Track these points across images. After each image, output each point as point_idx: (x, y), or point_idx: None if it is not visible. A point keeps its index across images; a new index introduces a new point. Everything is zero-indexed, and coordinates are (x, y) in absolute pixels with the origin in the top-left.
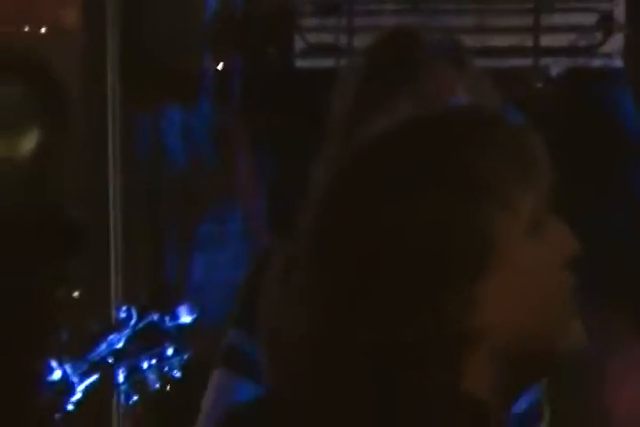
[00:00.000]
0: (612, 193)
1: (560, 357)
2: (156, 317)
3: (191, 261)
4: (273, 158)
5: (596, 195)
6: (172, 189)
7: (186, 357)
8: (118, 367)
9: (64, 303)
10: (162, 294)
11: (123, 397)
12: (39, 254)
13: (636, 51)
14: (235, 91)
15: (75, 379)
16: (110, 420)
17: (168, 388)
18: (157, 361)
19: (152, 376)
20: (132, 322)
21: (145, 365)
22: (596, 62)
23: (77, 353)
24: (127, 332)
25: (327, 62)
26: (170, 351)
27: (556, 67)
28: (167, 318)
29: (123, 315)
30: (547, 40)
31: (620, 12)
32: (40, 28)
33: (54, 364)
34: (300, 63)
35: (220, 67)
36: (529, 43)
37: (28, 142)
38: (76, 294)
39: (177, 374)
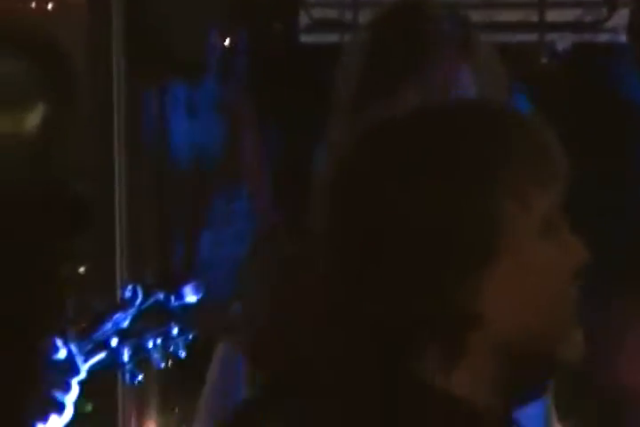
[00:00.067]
0: (618, 168)
1: (558, 362)
2: (161, 296)
3: (197, 239)
4: (278, 134)
5: (601, 170)
6: (177, 166)
7: (191, 336)
8: (123, 347)
9: (69, 280)
10: (167, 273)
11: (127, 376)
12: (44, 230)
13: None
14: (240, 66)
15: (79, 358)
16: (115, 399)
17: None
18: (162, 340)
19: (157, 356)
20: (138, 301)
21: (150, 344)
22: (602, 38)
23: (82, 332)
24: (132, 311)
25: (332, 38)
26: (175, 331)
27: (561, 42)
28: (173, 298)
29: (128, 294)
30: (552, 15)
31: None
32: (46, 4)
33: (59, 343)
34: (305, 38)
35: (225, 42)
36: (534, 18)
37: (34, 118)
38: (81, 269)
39: (182, 353)
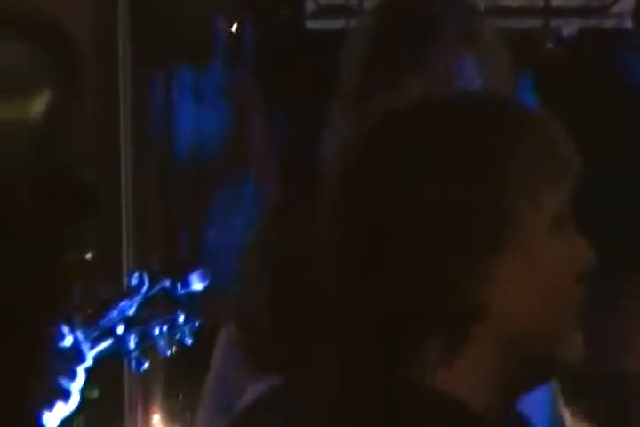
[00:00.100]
0: (624, 153)
1: (558, 363)
2: (167, 283)
3: (204, 226)
4: (285, 120)
5: (607, 156)
6: (183, 152)
7: (197, 324)
8: (129, 334)
9: (76, 266)
10: (174, 260)
11: (133, 363)
12: (50, 215)
13: None
14: (246, 52)
15: (85, 345)
16: (122, 385)
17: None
18: (169, 328)
19: (163, 343)
20: (144, 289)
21: (156, 332)
22: (608, 23)
23: (88, 319)
24: (138, 298)
25: (338, 24)
26: (181, 318)
27: (567, 27)
28: (179, 285)
29: (134, 281)
30: (558, 0)
31: None
32: None
33: (65, 330)
34: (312, 24)
35: (232, 28)
36: (540, 3)
37: (39, 102)
38: (88, 255)
39: (188, 341)
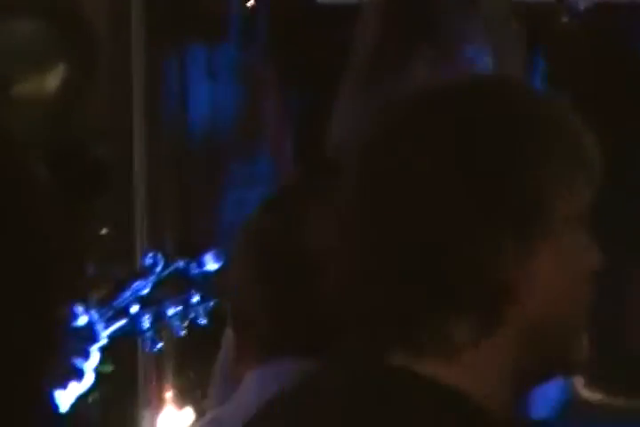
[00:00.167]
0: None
1: (571, 360)
2: (182, 264)
3: (219, 204)
4: (299, 95)
5: (622, 132)
6: (197, 131)
7: (212, 304)
8: (143, 314)
9: (90, 243)
10: (188, 240)
11: (147, 343)
12: (65, 191)
13: None
14: (260, 28)
15: (100, 325)
16: (136, 366)
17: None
18: (183, 308)
19: (177, 323)
20: (158, 269)
21: (170, 312)
22: None
23: (103, 299)
24: (153, 278)
25: None
26: (195, 299)
27: (583, 1)
28: (193, 266)
29: (148, 261)
30: None
31: None
32: None
33: (79, 309)
34: None
35: (246, 4)
36: None
37: (54, 79)
38: (103, 231)
39: (202, 321)
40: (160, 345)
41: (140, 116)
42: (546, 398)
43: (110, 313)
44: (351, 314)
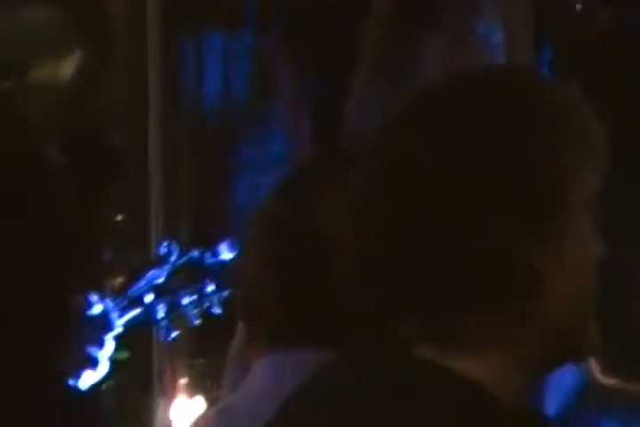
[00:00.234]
0: None
1: (582, 345)
2: (196, 253)
3: (233, 188)
4: (315, 80)
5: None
6: (213, 117)
7: (226, 293)
8: (158, 303)
9: (105, 230)
10: (203, 229)
11: (162, 332)
12: (80, 177)
13: None
14: (276, 14)
15: (114, 314)
16: (150, 354)
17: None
18: (197, 298)
19: (192, 312)
20: (173, 258)
21: (185, 301)
22: None
23: (117, 288)
24: (167, 268)
25: None
26: (210, 288)
27: None
28: (208, 255)
29: (163, 251)
30: None
31: None
32: None
33: (94, 298)
34: None
35: None
36: None
37: (70, 64)
38: (118, 217)
39: (217, 310)
40: (175, 334)
41: (155, 102)
42: (561, 384)
43: (125, 302)
44: (362, 304)
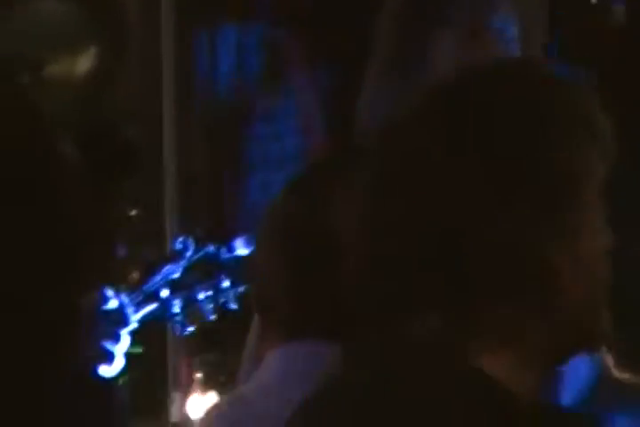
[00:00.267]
0: None
1: (598, 336)
2: (212, 248)
3: (248, 183)
4: (329, 73)
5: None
6: (228, 111)
7: (242, 289)
8: (174, 298)
9: (120, 225)
10: (219, 225)
11: (178, 327)
12: (94, 171)
13: None
14: (290, 8)
15: (130, 309)
16: (166, 348)
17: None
18: (213, 293)
19: (207, 308)
20: (188, 253)
21: (201, 296)
22: None
23: (133, 283)
24: (183, 263)
25: None
26: (226, 283)
27: None
28: (224, 250)
29: (179, 246)
30: None
31: None
32: None
33: (110, 293)
34: None
35: None
36: None
37: (85, 60)
38: (133, 212)
39: (233, 305)
40: (190, 329)
41: (170, 97)
42: (575, 379)
43: (140, 297)
44: (370, 302)
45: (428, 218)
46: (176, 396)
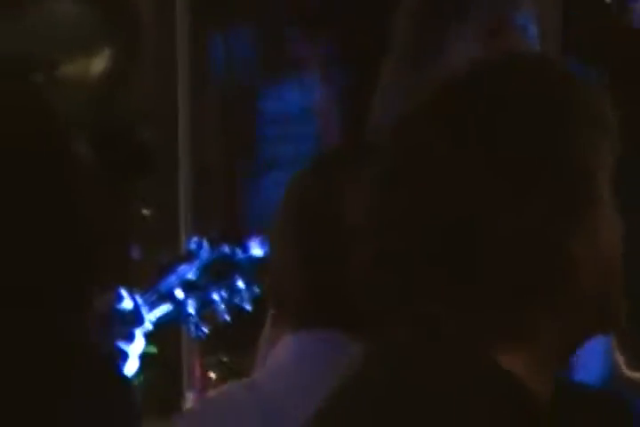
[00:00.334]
0: None
1: (617, 318)
2: (227, 249)
3: (263, 184)
4: (346, 74)
5: None
6: (243, 113)
7: (256, 289)
8: (188, 299)
9: (134, 225)
10: (233, 225)
11: (193, 328)
12: (109, 172)
13: None
14: (305, 7)
15: (144, 308)
16: (180, 349)
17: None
18: (228, 294)
19: (222, 308)
20: (203, 254)
21: (215, 297)
22: None
23: (147, 283)
24: (197, 263)
25: None
26: (241, 284)
27: None
28: (238, 251)
29: (193, 246)
30: None
31: None
32: None
33: (124, 292)
34: None
35: None
36: None
37: (100, 61)
38: (147, 212)
39: (247, 306)
40: (205, 330)
41: (185, 98)
42: (587, 377)
43: (154, 297)
44: (377, 296)
45: (431, 211)
46: (190, 396)
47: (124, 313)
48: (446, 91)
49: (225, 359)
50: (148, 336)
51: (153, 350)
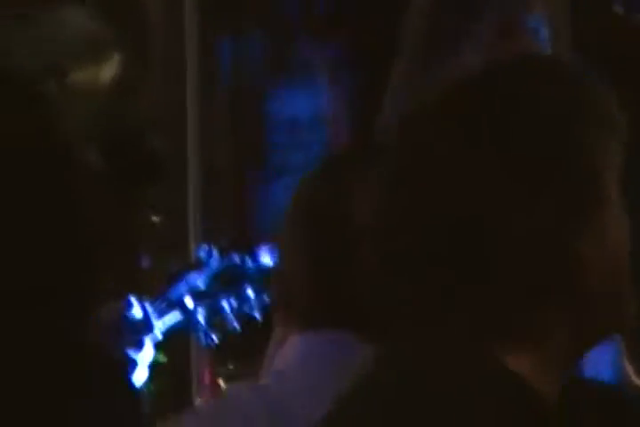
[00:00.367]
0: None
1: (624, 321)
2: (236, 258)
3: (272, 191)
4: (355, 78)
5: None
6: (253, 119)
7: (266, 298)
8: (198, 307)
9: (143, 232)
10: (242, 233)
11: (202, 337)
12: (119, 179)
13: None
14: (314, 10)
15: (153, 315)
16: (189, 357)
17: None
18: (237, 302)
19: (231, 317)
20: (212, 262)
21: (225, 305)
22: None
23: (156, 291)
24: (207, 272)
25: None
26: (250, 293)
27: None
28: (248, 260)
29: (202, 254)
30: None
31: None
32: None
33: (133, 300)
34: None
35: None
36: None
37: (109, 68)
38: (156, 219)
39: (257, 315)
40: (214, 339)
41: (194, 105)
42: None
43: (164, 304)
44: (384, 298)
45: (436, 211)
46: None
47: (133, 321)
48: (458, 91)
49: (234, 368)
50: (158, 345)
51: (162, 358)
